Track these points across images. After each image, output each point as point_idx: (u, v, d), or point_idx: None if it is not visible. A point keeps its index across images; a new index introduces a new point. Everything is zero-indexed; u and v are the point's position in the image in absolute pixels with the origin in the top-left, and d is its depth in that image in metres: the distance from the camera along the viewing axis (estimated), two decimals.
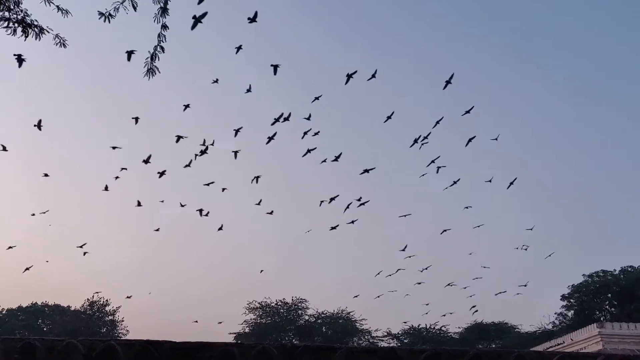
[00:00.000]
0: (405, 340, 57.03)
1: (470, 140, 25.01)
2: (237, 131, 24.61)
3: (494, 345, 55.25)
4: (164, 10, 7.17)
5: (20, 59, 13.07)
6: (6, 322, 55.22)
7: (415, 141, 24.72)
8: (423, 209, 72.09)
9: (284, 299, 57.92)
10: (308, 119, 24.14)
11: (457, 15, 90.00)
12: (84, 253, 31.77)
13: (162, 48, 7.44)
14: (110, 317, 57.88)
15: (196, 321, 40.37)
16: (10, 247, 30.81)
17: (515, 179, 27.76)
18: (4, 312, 57.07)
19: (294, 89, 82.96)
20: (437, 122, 24.06)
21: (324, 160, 26.96)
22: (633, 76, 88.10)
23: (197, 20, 14.70)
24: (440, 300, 75.92)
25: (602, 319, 45.78)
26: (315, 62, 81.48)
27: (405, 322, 57.10)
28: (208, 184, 27.81)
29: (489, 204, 71.42)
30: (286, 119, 23.17)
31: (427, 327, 57.19)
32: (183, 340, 3.45)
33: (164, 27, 7.27)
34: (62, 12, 7.29)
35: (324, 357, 3.40)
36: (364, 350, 3.57)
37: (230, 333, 54.56)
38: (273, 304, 57.63)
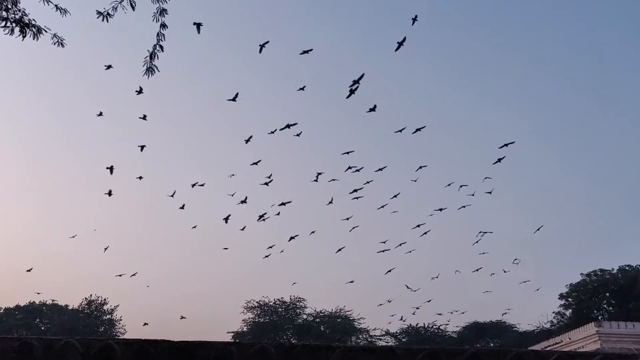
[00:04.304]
0: (404, 339, 57.02)
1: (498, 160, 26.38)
2: (318, 174, 25.52)
3: (492, 344, 55.30)
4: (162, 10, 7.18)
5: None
6: (4, 321, 55.11)
7: (437, 210, 27.08)
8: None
9: (282, 297, 58.01)
10: (381, 169, 25.30)
11: (458, 13, 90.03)
12: (132, 275, 32.76)
13: (161, 47, 7.45)
14: (108, 316, 57.82)
15: (183, 317, 40.02)
16: (29, 270, 32.53)
17: (541, 226, 30.47)
18: (1, 311, 56.95)
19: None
20: (461, 186, 26.52)
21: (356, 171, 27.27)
22: (633, 75, 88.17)
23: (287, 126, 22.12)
24: (438, 301, 75.90)
25: (600, 318, 45.83)
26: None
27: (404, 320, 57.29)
28: (232, 194, 28.01)
29: (489, 203, 71.46)
30: (352, 168, 24.25)
31: (426, 326, 57.25)
32: (181, 339, 3.45)
33: (163, 26, 7.28)
34: (60, 11, 7.28)
35: (322, 356, 3.40)
36: (362, 349, 3.58)
37: (229, 332, 54.60)
38: (271, 303, 57.65)
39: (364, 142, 71.99)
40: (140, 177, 25.43)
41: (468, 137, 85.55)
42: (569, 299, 51.52)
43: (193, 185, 26.23)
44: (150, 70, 7.53)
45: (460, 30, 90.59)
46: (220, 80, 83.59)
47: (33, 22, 7.24)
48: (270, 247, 30.60)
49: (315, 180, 25.94)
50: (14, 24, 7.18)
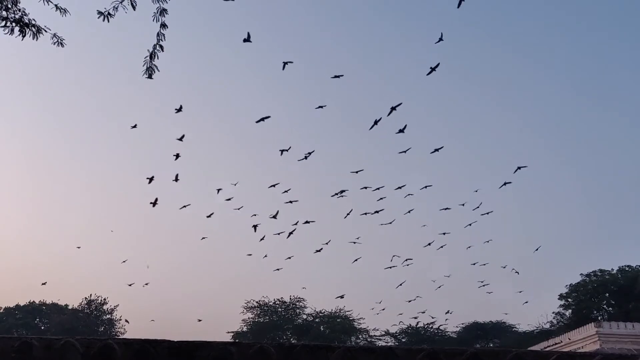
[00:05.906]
0: (404, 340, 56.99)
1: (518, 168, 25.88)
2: (341, 192, 25.28)
3: (491, 345, 55.29)
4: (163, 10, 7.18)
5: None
6: (4, 320, 55.12)
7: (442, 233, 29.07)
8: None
9: (282, 297, 58.03)
10: (401, 187, 25.32)
11: (457, 13, 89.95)
12: (144, 285, 32.94)
13: (161, 47, 7.45)
14: (108, 316, 57.82)
15: (200, 320, 40.32)
16: (43, 284, 33.18)
17: (539, 247, 31.50)
18: (1, 310, 56.96)
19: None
20: (462, 204, 28.02)
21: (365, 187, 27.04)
22: (633, 75, 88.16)
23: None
24: (438, 303, 75.99)
25: (599, 318, 45.82)
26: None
27: (406, 320, 57.48)
28: (230, 199, 27.83)
29: (489, 205, 71.32)
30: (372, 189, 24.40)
31: (425, 326, 57.19)
32: (181, 339, 3.45)
33: (163, 25, 7.28)
34: (60, 11, 7.27)
35: (322, 356, 3.40)
36: (361, 349, 3.58)
37: (229, 332, 54.59)
38: (271, 303, 57.67)
39: (367, 146, 72.09)
40: (177, 179, 23.88)
41: (467, 137, 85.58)
42: (569, 300, 51.51)
43: (218, 191, 25.73)
44: (150, 70, 7.53)
45: (460, 30, 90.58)
46: (220, 81, 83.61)
47: (33, 22, 7.22)
48: (288, 258, 30.91)
49: (336, 195, 25.61)
50: (13, 24, 7.16)
